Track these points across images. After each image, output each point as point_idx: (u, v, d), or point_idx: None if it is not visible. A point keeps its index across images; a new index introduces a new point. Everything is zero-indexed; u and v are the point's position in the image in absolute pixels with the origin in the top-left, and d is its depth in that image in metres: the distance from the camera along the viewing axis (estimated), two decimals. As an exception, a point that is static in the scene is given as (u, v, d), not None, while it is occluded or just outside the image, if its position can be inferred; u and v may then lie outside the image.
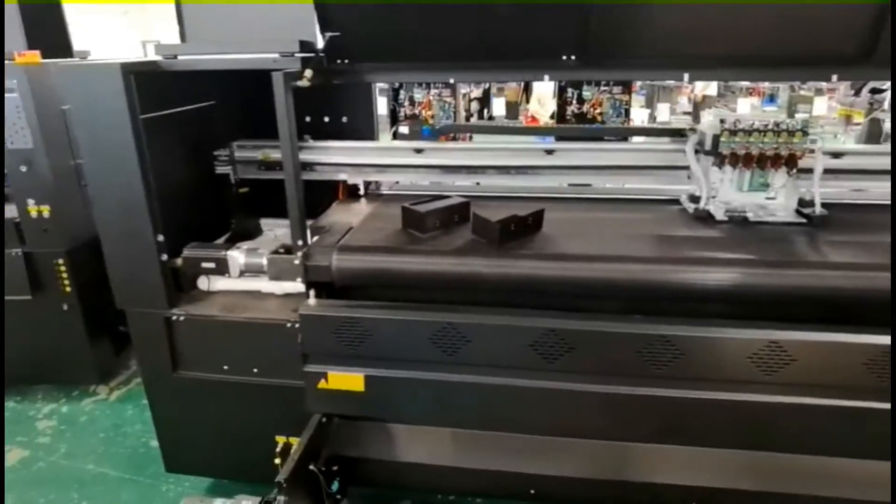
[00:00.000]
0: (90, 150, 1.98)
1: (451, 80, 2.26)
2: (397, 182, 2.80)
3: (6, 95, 2.62)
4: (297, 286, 2.13)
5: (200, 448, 2.35)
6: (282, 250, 2.11)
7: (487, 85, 5.59)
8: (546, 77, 2.14)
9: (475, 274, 1.89)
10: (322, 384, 1.96)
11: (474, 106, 5.45)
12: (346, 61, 2.14)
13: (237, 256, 2.09)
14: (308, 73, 1.94)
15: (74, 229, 2.89)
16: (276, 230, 2.83)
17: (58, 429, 2.96)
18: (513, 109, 6.06)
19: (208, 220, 2.63)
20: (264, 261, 2.07)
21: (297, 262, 2.00)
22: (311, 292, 1.95)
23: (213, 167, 2.62)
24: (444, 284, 1.93)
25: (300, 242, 2.00)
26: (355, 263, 1.97)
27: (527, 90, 7.58)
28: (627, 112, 4.54)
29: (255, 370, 2.15)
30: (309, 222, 2.73)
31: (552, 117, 4.97)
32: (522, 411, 1.91)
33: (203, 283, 2.24)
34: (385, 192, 2.70)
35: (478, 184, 2.69)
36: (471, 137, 3.96)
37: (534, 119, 6.55)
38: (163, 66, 2.01)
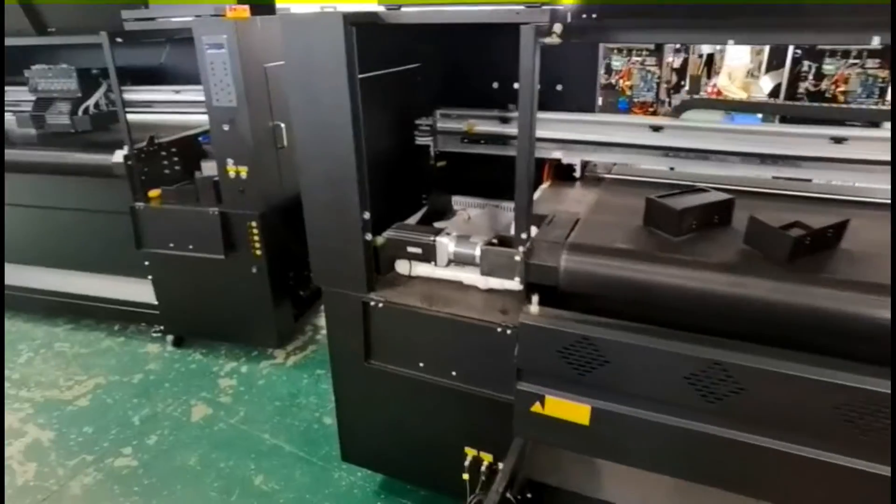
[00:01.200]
0: (301, 111, 1.77)
1: (730, 43, 1.72)
2: (614, 164, 2.37)
3: (215, 51, 2.54)
4: (507, 283, 1.82)
5: (381, 443, 2.15)
6: (495, 241, 1.79)
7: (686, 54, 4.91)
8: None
9: (757, 300, 1.43)
10: (536, 408, 1.63)
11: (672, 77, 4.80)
12: (594, 16, 1.73)
13: (446, 244, 1.81)
14: (558, 27, 1.56)
15: (268, 192, 2.81)
16: (468, 210, 2.54)
17: (237, 389, 2.96)
18: (694, 84, 5.33)
19: (403, 196, 2.39)
20: (477, 252, 1.76)
21: (517, 258, 1.67)
22: (535, 298, 1.60)
23: (413, 137, 2.37)
24: (706, 309, 1.50)
25: (524, 235, 1.66)
26: (591, 267, 1.59)
27: (709, 63, 6.67)
28: (882, 92, 3.67)
29: (454, 373, 1.87)
30: (508, 205, 2.42)
31: (773, 94, 4.19)
32: (809, 487, 1.43)
33: (402, 266, 2.00)
34: (605, 176, 2.28)
35: (672, 169, 2.19)
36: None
37: (719, 94, 5.73)
38: (384, 19, 1.74)
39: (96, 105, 3.50)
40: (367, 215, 1.83)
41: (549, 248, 1.64)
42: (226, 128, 2.65)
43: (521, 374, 1.65)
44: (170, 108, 3.54)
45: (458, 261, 1.82)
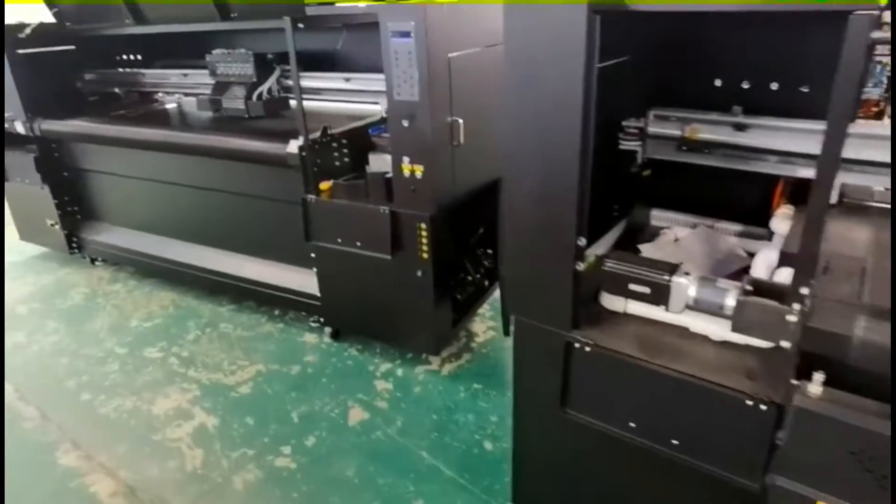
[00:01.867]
0: (519, 114, 1.49)
1: None
2: (877, 189, 1.88)
3: (401, 41, 2.34)
4: (748, 338, 1.44)
5: (565, 499, 1.87)
6: (749, 287, 1.41)
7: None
8: None
9: None
10: (802, 512, 1.26)
11: None
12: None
13: (685, 286, 1.46)
14: (888, 16, 1.15)
15: (440, 193, 2.60)
16: (675, 229, 2.16)
17: (394, 395, 2.82)
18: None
19: (599, 208, 2.06)
20: (730, 302, 1.40)
21: (791, 317, 1.29)
22: (818, 376, 1.22)
23: (618, 141, 2.02)
24: None
25: (804, 290, 1.27)
26: (904, 345, 1.18)
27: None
28: None
29: (675, 441, 1.54)
30: (725, 226, 2.02)
31: None
32: None
33: (612, 301, 1.68)
34: (872, 204, 1.80)
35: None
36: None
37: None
38: (630, 5, 1.41)
39: (269, 90, 3.49)
40: (582, 241, 1.53)
41: (838, 310, 1.24)
42: (405, 123, 2.45)
43: (783, 465, 1.28)
44: (338, 97, 3.44)
45: (699, 308, 1.46)
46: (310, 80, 3.47)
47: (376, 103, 3.29)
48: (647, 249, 1.99)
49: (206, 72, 3.62)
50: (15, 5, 4.14)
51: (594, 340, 1.59)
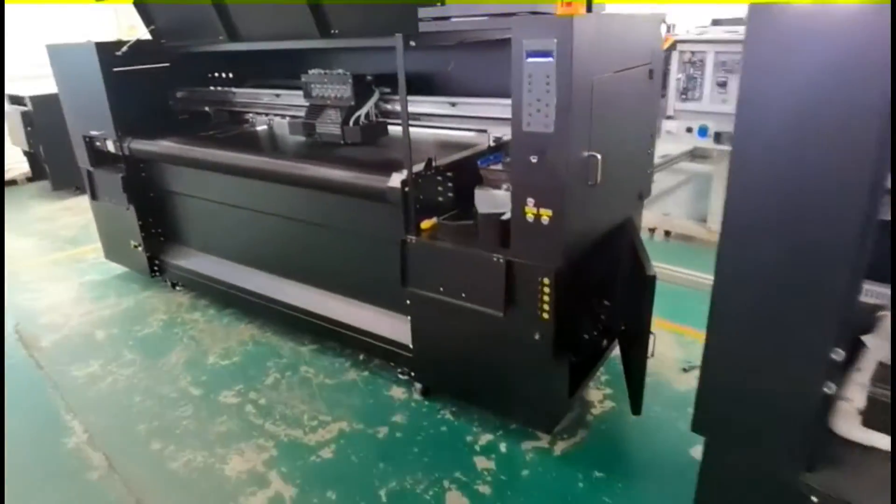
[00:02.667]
0: (762, 150, 1.04)
1: None
2: None
3: (538, 60, 1.92)
4: None
5: None
6: None
7: None
8: None
9: None
10: None
11: None
12: None
13: None
14: None
15: (569, 242, 2.15)
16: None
17: (497, 477, 2.36)
18: None
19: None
20: None
21: None
22: None
23: None
24: None
25: None
26: None
27: None
28: None
29: None
30: None
31: None
32: None
33: (850, 428, 1.18)
34: None
35: None
36: None
37: None
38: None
39: (366, 115, 3.16)
40: (839, 354, 1.04)
41: None
42: (533, 160, 2.03)
43: None
44: (441, 123, 3.07)
45: None
46: (412, 105, 3.14)
47: (483, 131, 2.92)
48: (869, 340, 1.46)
49: (299, 93, 3.35)
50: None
51: (839, 493, 1.09)
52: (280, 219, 3.25)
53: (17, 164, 7.26)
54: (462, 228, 2.45)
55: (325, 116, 3.20)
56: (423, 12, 2.32)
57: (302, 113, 3.38)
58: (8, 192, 7.04)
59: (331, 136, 3.15)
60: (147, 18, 3.72)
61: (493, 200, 2.51)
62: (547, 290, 2.18)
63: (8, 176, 7.24)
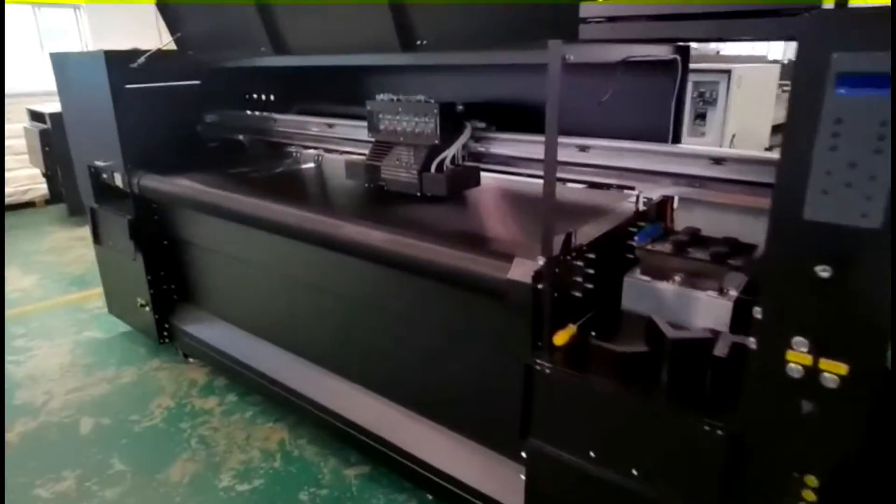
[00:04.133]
0: None
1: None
2: None
3: (862, 94, 0.99)
4: None
5: None
6: None
7: None
8: None
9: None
10: None
11: None
12: None
13: None
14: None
15: (862, 426, 1.18)
16: None
17: None
18: None
19: None
20: None
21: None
22: None
23: None
24: None
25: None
26: None
27: None
28: None
29: None
30: None
31: None
32: None
33: None
34: None
35: None
36: None
37: None
38: None
39: (452, 158, 2.26)
40: None
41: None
42: (823, 273, 1.07)
43: None
44: (564, 174, 2.17)
45: None
46: (517, 146, 2.25)
47: (629, 188, 2.01)
48: None
49: (361, 124, 2.48)
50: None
51: None
52: (329, 294, 2.34)
53: (36, 185, 6.56)
54: (630, 358, 1.50)
55: (396, 157, 2.31)
56: (587, 9, 1.41)
57: (363, 150, 2.51)
58: (25, 214, 6.36)
59: (403, 185, 2.26)
60: (172, 23, 2.90)
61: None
62: (811, 496, 1.20)
63: (26, 197, 6.55)
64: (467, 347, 1.88)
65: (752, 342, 1.21)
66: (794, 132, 1.05)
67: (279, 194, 2.37)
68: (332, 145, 2.81)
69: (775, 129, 4.14)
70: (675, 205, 2.07)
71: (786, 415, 1.19)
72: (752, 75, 3.89)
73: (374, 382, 2.28)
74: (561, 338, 1.58)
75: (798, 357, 1.15)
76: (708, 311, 1.65)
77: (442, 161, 2.23)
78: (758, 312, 1.18)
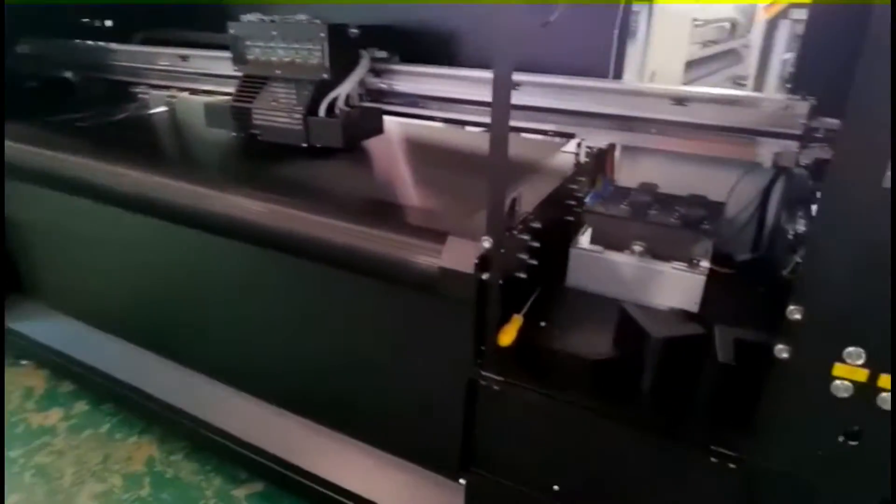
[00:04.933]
0: None
1: None
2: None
3: None
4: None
5: None
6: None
7: None
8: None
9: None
10: None
11: None
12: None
13: None
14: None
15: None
16: None
17: None
18: None
19: None
20: None
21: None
22: None
23: None
24: None
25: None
26: None
27: None
28: None
29: None
30: None
31: None
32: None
33: None
34: None
35: None
36: None
37: None
38: None
39: (347, 99, 1.76)
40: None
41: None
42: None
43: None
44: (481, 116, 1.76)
45: None
46: (430, 82, 1.79)
47: (568, 136, 1.64)
48: None
49: (224, 54, 1.88)
50: None
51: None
52: (199, 280, 1.78)
53: None
54: (599, 367, 1.14)
55: (272, 97, 1.76)
56: None
57: (229, 89, 1.92)
58: None
59: (283, 134, 1.72)
60: None
61: (649, 285, 1.27)
62: (846, 538, 0.93)
63: None
64: (384, 346, 1.44)
65: (780, 350, 0.88)
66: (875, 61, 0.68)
67: (114, 151, 1.74)
68: (187, 83, 2.17)
69: (688, 65, 3.93)
70: (618, 155, 1.73)
71: (821, 445, 0.89)
72: (671, 6, 3.61)
73: (259, 387, 1.80)
74: (507, 335, 1.19)
75: (850, 372, 0.83)
76: (675, 287, 1.33)
77: (333, 102, 1.71)
78: (796, 312, 0.84)
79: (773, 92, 2.83)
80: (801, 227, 1.33)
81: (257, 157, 1.72)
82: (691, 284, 1.34)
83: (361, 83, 1.82)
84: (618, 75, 1.73)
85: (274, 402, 1.73)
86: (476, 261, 1.06)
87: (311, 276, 1.43)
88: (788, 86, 2.82)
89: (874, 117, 0.70)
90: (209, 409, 1.85)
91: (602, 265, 1.42)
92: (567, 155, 1.66)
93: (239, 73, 1.81)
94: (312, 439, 1.66)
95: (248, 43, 1.75)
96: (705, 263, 1.35)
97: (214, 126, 1.84)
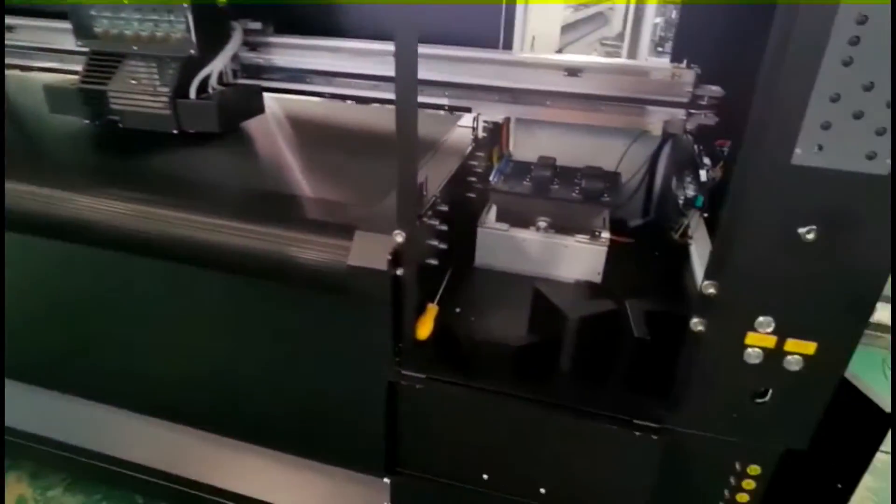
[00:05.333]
0: None
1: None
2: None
3: None
4: None
5: None
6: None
7: None
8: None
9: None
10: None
11: None
12: None
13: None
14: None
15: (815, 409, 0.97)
16: None
17: None
18: None
19: None
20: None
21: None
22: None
23: None
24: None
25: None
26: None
27: None
28: None
29: None
30: None
31: None
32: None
33: None
34: None
35: None
36: None
37: None
38: None
39: (220, 77, 1.57)
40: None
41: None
42: (808, 234, 0.77)
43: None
44: (374, 91, 1.66)
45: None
46: (313, 55, 1.65)
47: (464, 110, 1.59)
48: None
49: (64, 26, 1.60)
50: None
51: None
52: (57, 284, 1.53)
53: None
54: (519, 352, 1.12)
55: (131, 77, 1.52)
56: None
57: (75, 68, 1.64)
58: None
59: (148, 120, 1.50)
60: None
61: (555, 259, 1.27)
62: (751, 485, 0.99)
63: None
64: (294, 351, 1.32)
65: (695, 323, 0.90)
66: (784, 43, 0.68)
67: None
68: (19, 59, 1.83)
69: (563, 28, 4.00)
70: (512, 128, 1.71)
71: (736, 408, 0.93)
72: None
73: (152, 404, 1.60)
74: (424, 327, 1.13)
75: (761, 340, 0.87)
76: (580, 259, 1.35)
77: (206, 80, 1.52)
78: (711, 287, 0.86)
79: (645, 54, 2.97)
80: (689, 191, 1.38)
81: (120, 149, 1.49)
82: (594, 256, 1.35)
83: (235, 58, 1.64)
84: (507, 45, 1.68)
85: (174, 419, 1.56)
86: (389, 256, 0.98)
87: (202, 278, 1.27)
88: (659, 49, 2.96)
89: (785, 95, 0.70)
90: (89, 434, 1.63)
91: (509, 243, 1.40)
92: (464, 130, 1.60)
93: (85, 50, 1.54)
94: (225, 455, 1.52)
95: (93, 13, 1.49)
96: (606, 234, 1.37)
97: (60, 112, 1.56)
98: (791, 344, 0.86)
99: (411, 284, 1.01)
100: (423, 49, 1.50)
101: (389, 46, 1.54)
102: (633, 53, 2.80)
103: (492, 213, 1.45)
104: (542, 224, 1.39)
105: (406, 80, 0.86)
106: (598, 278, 1.38)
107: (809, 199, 0.76)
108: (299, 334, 1.20)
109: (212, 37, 1.50)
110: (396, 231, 0.97)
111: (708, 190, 1.23)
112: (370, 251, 1.00)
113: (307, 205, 1.19)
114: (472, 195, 1.52)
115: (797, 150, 0.73)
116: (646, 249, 1.51)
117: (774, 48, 0.68)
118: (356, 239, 1.02)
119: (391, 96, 1.54)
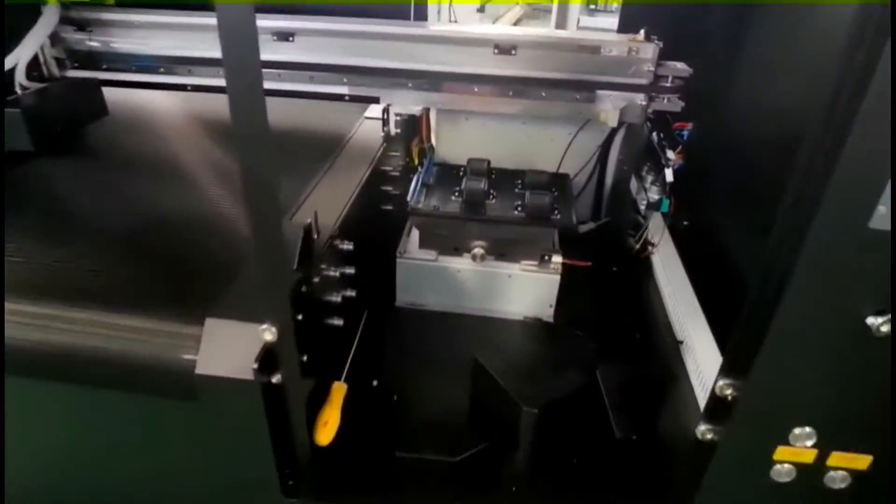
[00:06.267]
0: None
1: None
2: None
3: None
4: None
5: None
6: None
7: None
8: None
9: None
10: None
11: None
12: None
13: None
14: None
15: None
16: None
17: None
18: None
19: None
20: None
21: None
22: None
23: None
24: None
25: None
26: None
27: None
28: None
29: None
30: None
31: None
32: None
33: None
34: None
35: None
36: None
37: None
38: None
39: (32, 66, 1.14)
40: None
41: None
42: (884, 329, 0.50)
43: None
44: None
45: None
46: (169, 36, 1.24)
47: (370, 100, 1.24)
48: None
49: None
50: None
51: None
52: None
53: None
54: (467, 463, 0.82)
55: None
56: None
57: None
58: None
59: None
60: None
61: (497, 292, 0.98)
62: None
63: None
64: (153, 473, 0.97)
65: (704, 431, 0.62)
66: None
67: None
68: None
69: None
70: (433, 122, 1.37)
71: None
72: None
73: None
74: (327, 427, 0.81)
75: (795, 455, 0.60)
76: (526, 292, 1.05)
77: (9, 76, 1.09)
78: (728, 388, 0.57)
79: (577, 15, 2.65)
80: (652, 193, 1.11)
81: None
82: (545, 287, 1.06)
83: (57, 43, 1.20)
84: (421, 16, 1.33)
85: None
86: (255, 364, 0.64)
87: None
88: (592, 6, 2.64)
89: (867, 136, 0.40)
90: None
91: (438, 276, 1.08)
92: (370, 125, 1.25)
93: None
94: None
95: None
96: (557, 258, 1.08)
97: None
98: (837, 458, 0.59)
99: (295, 392, 0.68)
100: (307, 23, 1.14)
101: (280, 22, 1.15)
102: (563, 15, 2.46)
103: (413, 237, 1.12)
104: (479, 251, 1.08)
105: (243, 68, 0.50)
106: (549, 313, 1.10)
107: (888, 279, 0.47)
108: (162, 450, 0.85)
109: (11, 14, 1.06)
110: (264, 326, 0.63)
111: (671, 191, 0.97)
112: (226, 352, 0.65)
113: (146, 263, 0.82)
114: (388, 206, 1.18)
115: (880, 208, 0.44)
116: (602, 267, 1.23)
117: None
118: (207, 331, 0.67)
119: (277, 86, 1.17)
